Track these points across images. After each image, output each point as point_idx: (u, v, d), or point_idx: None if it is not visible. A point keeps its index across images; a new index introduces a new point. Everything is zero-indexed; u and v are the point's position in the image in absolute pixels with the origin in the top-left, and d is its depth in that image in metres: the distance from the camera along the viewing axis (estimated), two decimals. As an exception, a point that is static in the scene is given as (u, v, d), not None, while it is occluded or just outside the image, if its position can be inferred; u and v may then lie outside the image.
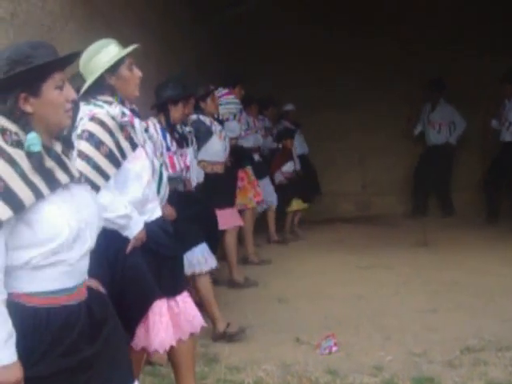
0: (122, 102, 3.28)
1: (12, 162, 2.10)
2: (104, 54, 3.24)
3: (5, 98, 2.14)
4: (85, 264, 2.31)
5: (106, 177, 3.10)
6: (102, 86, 3.24)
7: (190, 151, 5.02)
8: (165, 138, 4.68)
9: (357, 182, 10.93)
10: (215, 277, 5.95)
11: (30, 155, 2.13)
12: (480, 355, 4.40)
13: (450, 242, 7.99)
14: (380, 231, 9.15)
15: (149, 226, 3.28)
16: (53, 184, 2.18)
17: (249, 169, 7.15)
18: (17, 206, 2.08)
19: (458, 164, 10.23)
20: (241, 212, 6.85)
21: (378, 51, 10.02)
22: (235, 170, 6.78)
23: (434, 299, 5.75)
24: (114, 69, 3.24)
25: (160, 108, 4.78)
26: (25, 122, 2.15)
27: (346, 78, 10.15)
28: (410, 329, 5.00)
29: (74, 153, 2.99)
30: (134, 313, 3.20)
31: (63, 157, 2.30)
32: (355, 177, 10.91)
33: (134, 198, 3.22)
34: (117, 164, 3.14)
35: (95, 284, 2.47)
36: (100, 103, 3.20)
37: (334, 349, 4.59)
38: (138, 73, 3.32)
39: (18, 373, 2.09)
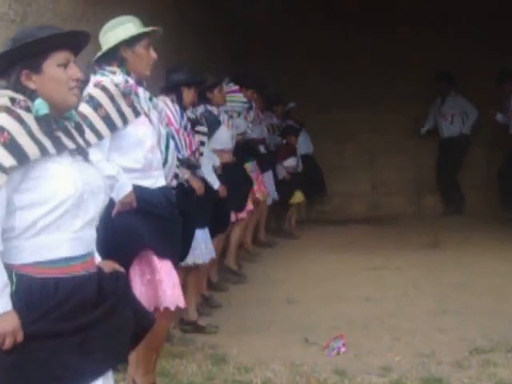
0: (128, 73, 3.35)
1: (20, 120, 2.16)
2: (124, 28, 3.36)
3: (9, 74, 2.23)
4: (91, 234, 2.34)
5: (99, 136, 3.19)
6: (113, 58, 3.34)
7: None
8: (182, 117, 4.79)
9: (367, 183, 10.91)
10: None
11: (38, 119, 2.18)
12: (489, 356, 4.39)
13: (459, 242, 7.96)
14: (390, 232, 9.11)
15: (152, 192, 3.36)
16: (60, 146, 2.23)
17: (249, 165, 7.10)
18: (21, 157, 2.12)
19: (468, 163, 10.20)
20: None
21: (388, 50, 10.00)
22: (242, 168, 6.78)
23: (443, 300, 5.73)
24: (130, 44, 3.34)
25: (171, 90, 4.86)
26: (29, 94, 2.21)
27: (356, 78, 10.12)
28: (419, 330, 4.99)
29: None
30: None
31: (71, 129, 2.35)
32: (365, 177, 10.87)
33: (135, 162, 3.30)
34: (112, 128, 3.23)
35: (111, 264, 2.50)
36: (106, 73, 3.31)
37: (343, 350, 4.57)
38: (153, 54, 3.42)
39: (14, 321, 2.12)
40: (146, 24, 3.46)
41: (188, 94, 4.87)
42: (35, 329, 2.16)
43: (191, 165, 4.83)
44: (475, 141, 10.14)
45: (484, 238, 8.19)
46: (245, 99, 6.60)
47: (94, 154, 3.03)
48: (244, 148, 6.61)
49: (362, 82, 10.13)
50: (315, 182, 9.76)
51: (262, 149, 7.80)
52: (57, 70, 2.24)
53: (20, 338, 2.12)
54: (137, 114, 3.30)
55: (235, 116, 6.45)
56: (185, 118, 4.82)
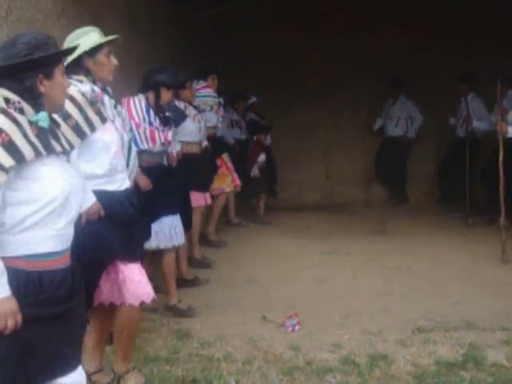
0: (94, 81, 3.35)
1: (16, 122, 2.20)
2: (86, 38, 3.33)
3: (22, 78, 2.25)
4: (70, 231, 2.39)
5: (70, 146, 3.12)
6: (78, 67, 3.32)
7: (171, 131, 5.09)
8: (148, 113, 4.81)
9: (321, 173, 10.98)
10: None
11: (35, 126, 2.25)
12: (430, 335, 4.48)
13: (405, 230, 8.05)
14: (342, 219, 9.17)
15: (117, 196, 3.35)
16: (49, 149, 2.29)
17: (225, 156, 7.12)
18: (18, 158, 2.16)
19: (415, 157, 10.33)
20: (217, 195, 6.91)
21: (343, 52, 10.06)
22: (214, 159, 6.79)
23: (389, 283, 5.82)
24: (92, 53, 3.33)
25: (151, 88, 4.86)
26: (40, 101, 2.28)
27: (314, 77, 10.18)
28: (367, 310, 5.06)
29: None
30: (89, 277, 3.17)
31: (57, 130, 2.43)
32: (320, 168, 10.94)
33: (101, 168, 3.29)
34: (82, 136, 3.21)
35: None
36: (73, 82, 3.27)
37: (297, 327, 4.63)
38: (114, 61, 3.42)
39: (13, 304, 2.15)
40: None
41: (166, 95, 4.88)
42: (29, 312, 2.18)
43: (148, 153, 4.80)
44: (423, 138, 10.26)
45: (427, 226, 8.28)
46: (214, 93, 6.55)
47: None
48: (217, 142, 6.58)
49: (319, 81, 10.19)
50: (270, 172, 9.79)
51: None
52: (62, 78, 2.36)
53: (20, 319, 2.14)
54: (103, 120, 3.29)
55: (207, 110, 6.43)
56: (151, 114, 4.79)
